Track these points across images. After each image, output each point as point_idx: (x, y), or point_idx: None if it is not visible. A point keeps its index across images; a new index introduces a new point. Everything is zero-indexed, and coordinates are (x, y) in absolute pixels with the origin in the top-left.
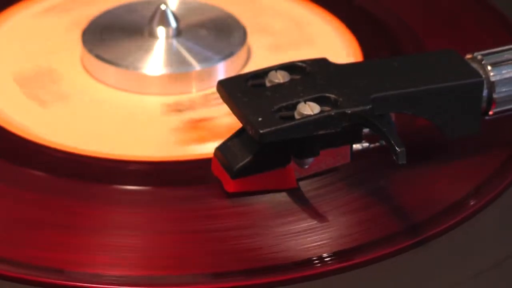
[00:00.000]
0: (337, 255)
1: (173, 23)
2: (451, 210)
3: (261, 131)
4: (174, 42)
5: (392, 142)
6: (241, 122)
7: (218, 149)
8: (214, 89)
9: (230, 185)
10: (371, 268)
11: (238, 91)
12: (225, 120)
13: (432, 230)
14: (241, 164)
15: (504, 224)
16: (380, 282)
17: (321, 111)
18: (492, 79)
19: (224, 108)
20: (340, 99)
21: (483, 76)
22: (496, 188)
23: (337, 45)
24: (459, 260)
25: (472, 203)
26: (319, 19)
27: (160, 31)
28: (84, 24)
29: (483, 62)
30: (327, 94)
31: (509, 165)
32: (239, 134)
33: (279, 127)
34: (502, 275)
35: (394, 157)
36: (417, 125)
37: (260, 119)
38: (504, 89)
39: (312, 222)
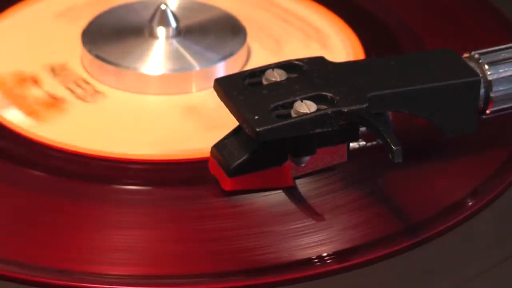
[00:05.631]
0: (336, 255)
1: (173, 23)
2: (451, 210)
3: (257, 130)
4: (174, 42)
5: (388, 140)
6: (238, 120)
7: (215, 147)
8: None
9: (227, 184)
10: (371, 268)
11: (235, 89)
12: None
13: (431, 230)
14: (238, 162)
15: (504, 225)
16: (380, 282)
17: (318, 110)
18: (489, 78)
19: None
20: (337, 97)
21: (480, 75)
22: (496, 188)
23: (337, 45)
24: (459, 260)
25: (471, 203)
26: (319, 18)
27: (160, 31)
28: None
29: (480, 61)
30: (324, 93)
31: (509, 165)
32: (236, 132)
33: (276, 126)
34: (502, 275)
35: (390, 156)
36: (417, 125)
37: (256, 117)
38: (501, 88)
39: (312, 222)
